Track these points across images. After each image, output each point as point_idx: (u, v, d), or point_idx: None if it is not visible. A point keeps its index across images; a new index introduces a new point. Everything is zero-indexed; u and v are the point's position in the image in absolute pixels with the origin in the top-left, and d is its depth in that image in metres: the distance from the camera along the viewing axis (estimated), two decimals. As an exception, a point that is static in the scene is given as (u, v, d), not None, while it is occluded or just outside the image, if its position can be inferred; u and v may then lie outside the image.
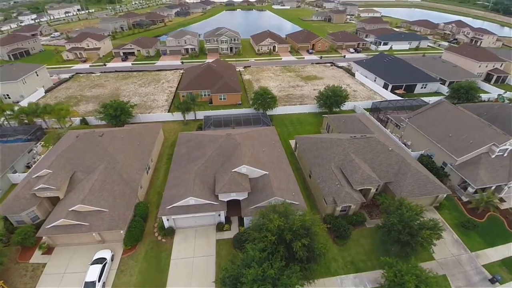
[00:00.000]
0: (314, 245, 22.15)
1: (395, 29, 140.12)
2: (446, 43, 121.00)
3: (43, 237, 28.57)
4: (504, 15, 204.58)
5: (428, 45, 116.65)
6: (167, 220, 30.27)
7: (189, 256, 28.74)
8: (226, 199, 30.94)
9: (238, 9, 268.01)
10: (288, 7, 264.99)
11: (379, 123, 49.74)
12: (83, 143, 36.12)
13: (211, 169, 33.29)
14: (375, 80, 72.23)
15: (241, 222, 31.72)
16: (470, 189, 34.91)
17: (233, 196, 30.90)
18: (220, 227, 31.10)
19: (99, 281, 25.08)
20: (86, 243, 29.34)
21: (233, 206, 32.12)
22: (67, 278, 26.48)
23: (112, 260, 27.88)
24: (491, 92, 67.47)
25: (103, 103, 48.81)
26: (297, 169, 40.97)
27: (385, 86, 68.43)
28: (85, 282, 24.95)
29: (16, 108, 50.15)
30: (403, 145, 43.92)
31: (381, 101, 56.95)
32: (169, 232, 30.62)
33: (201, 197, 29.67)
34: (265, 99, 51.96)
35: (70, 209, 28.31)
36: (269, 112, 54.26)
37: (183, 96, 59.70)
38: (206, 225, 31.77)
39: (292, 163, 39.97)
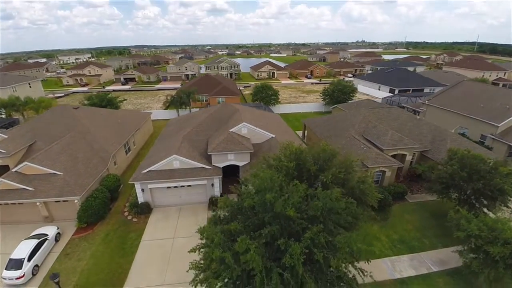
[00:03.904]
0: (352, 181, 14.70)
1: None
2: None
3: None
4: (491, 54, 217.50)
5: (424, 71, 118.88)
6: (142, 191, 22.68)
7: (167, 237, 20.41)
8: (221, 164, 23.86)
9: (238, 58, 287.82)
10: (285, 55, 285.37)
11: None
12: (54, 114, 30.52)
13: (204, 134, 26.93)
14: (379, 89, 69.66)
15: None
16: (524, 158, 28.03)
17: (231, 160, 23.90)
18: (214, 203, 23.24)
19: (29, 261, 16.70)
20: (29, 222, 21.27)
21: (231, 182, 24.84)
22: (-11, 260, 18.08)
23: (57, 240, 19.65)
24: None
25: (89, 95, 44.51)
26: (308, 152, 34.25)
27: (391, 92, 65.46)
28: (10, 259, 16.62)
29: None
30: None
31: (392, 95, 52.87)
32: (144, 209, 22.70)
33: (189, 158, 22.75)
34: (266, 94, 47.92)
35: (14, 170, 21.21)
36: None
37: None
38: (195, 202, 23.96)
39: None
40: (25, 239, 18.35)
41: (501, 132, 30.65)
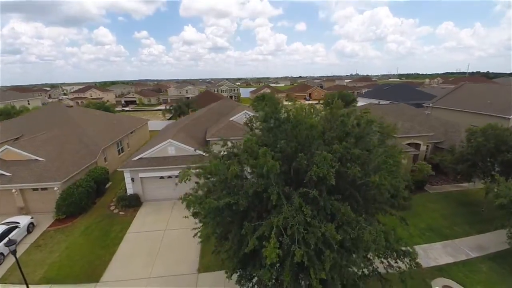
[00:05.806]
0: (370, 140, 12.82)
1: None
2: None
3: None
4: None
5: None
6: (132, 180, 20.40)
7: (158, 229, 17.75)
8: (221, 153, 21.86)
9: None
10: (283, 84, 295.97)
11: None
12: (45, 111, 29.26)
13: (202, 126, 25.37)
14: (379, 103, 69.77)
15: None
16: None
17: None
18: (211, 195, 20.81)
19: (-7, 247, 14.07)
20: (1, 213, 18.65)
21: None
22: None
23: (29, 231, 16.97)
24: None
25: (86, 104, 43.77)
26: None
27: (392, 106, 65.54)
28: None
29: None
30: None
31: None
32: (133, 202, 20.21)
33: (185, 144, 20.90)
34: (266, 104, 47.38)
35: (-10, 156, 19.22)
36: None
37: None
38: (191, 196, 21.45)
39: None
40: (-9, 226, 15.80)
41: (514, 125, 29.33)
